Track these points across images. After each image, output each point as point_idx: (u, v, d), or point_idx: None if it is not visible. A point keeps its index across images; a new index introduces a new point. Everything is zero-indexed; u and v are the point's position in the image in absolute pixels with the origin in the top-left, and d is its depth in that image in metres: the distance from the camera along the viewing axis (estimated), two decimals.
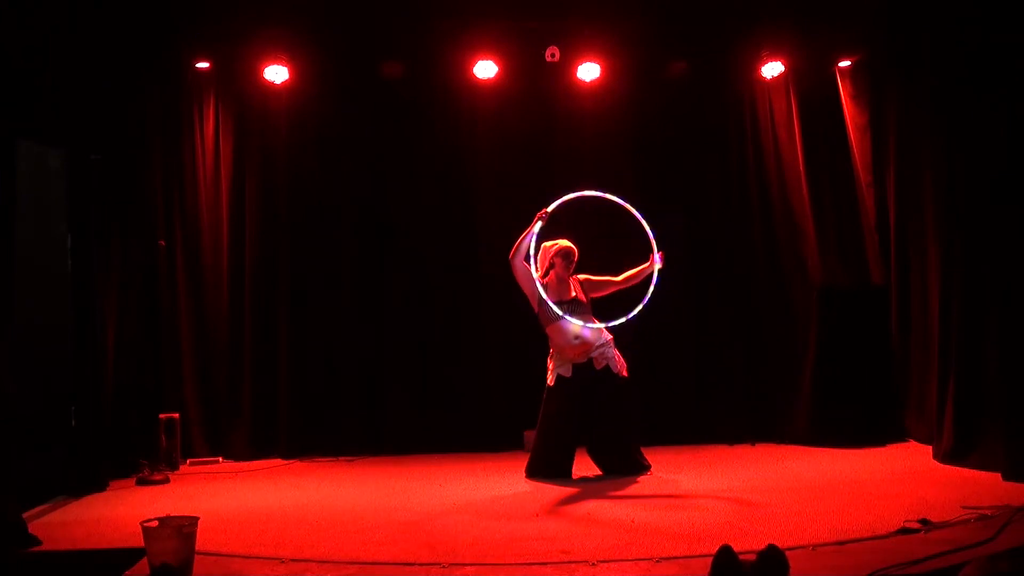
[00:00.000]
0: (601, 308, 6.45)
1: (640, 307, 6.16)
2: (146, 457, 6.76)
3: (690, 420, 7.65)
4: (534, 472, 6.35)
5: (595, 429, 6.35)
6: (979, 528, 4.39)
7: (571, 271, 6.38)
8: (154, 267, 7.39)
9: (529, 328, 7.76)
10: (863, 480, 5.85)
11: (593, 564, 4.13)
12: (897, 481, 5.75)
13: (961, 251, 6.15)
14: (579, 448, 6.40)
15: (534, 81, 7.82)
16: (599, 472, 6.37)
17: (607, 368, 6.25)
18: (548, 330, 6.33)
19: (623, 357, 6.36)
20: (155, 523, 4.12)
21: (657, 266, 6.25)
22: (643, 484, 6.04)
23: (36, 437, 5.82)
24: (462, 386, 7.80)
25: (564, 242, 6.41)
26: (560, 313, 6.14)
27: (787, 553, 3.39)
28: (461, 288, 7.87)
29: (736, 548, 3.38)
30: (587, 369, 6.26)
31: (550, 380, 6.35)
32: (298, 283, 7.77)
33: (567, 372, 6.27)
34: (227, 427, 7.59)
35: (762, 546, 3.44)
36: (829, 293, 7.47)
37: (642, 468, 6.32)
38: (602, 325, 6.23)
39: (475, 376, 7.81)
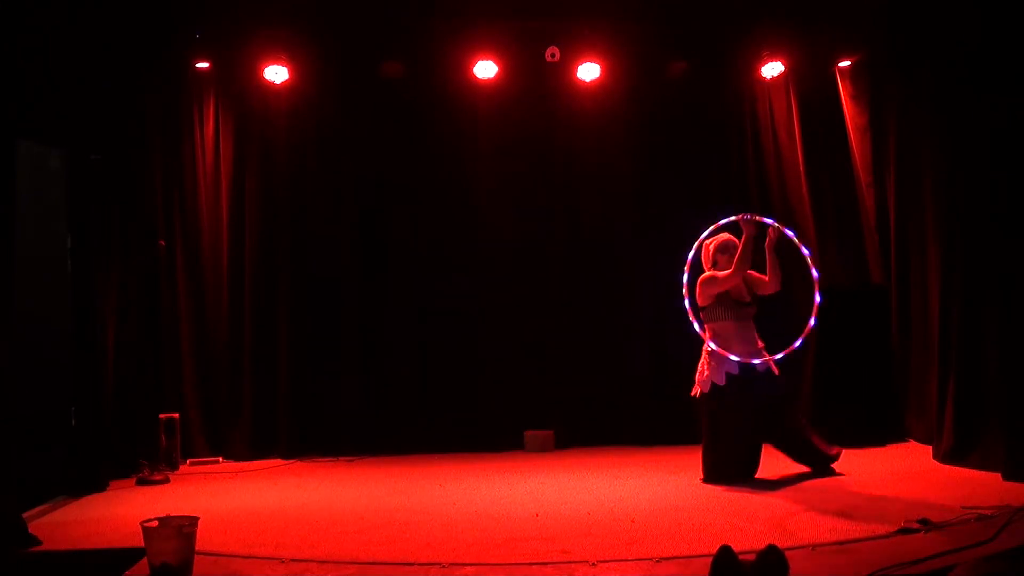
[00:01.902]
0: None
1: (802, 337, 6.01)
2: (146, 457, 6.76)
3: (691, 420, 7.61)
4: (720, 476, 5.96)
5: (778, 424, 6.12)
6: (979, 528, 4.38)
7: None
8: (154, 267, 7.40)
9: (529, 328, 7.79)
10: (863, 480, 5.84)
11: (593, 564, 4.13)
12: (897, 481, 5.74)
13: (961, 251, 6.14)
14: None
15: (534, 81, 7.82)
16: (599, 470, 6.35)
17: (768, 370, 6.04)
18: (715, 326, 6.09)
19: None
20: (155, 523, 4.12)
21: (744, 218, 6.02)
22: (643, 484, 6.04)
23: (36, 437, 5.82)
24: (462, 386, 7.79)
25: (723, 235, 6.23)
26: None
27: (787, 553, 3.39)
28: (461, 288, 7.87)
29: (736, 548, 3.37)
30: (749, 369, 5.98)
31: (719, 379, 5.95)
32: (298, 283, 7.76)
33: (735, 369, 5.95)
34: (227, 427, 7.59)
35: (762, 546, 3.44)
36: (829, 293, 7.44)
37: (828, 458, 6.08)
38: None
39: (475, 376, 7.80)
